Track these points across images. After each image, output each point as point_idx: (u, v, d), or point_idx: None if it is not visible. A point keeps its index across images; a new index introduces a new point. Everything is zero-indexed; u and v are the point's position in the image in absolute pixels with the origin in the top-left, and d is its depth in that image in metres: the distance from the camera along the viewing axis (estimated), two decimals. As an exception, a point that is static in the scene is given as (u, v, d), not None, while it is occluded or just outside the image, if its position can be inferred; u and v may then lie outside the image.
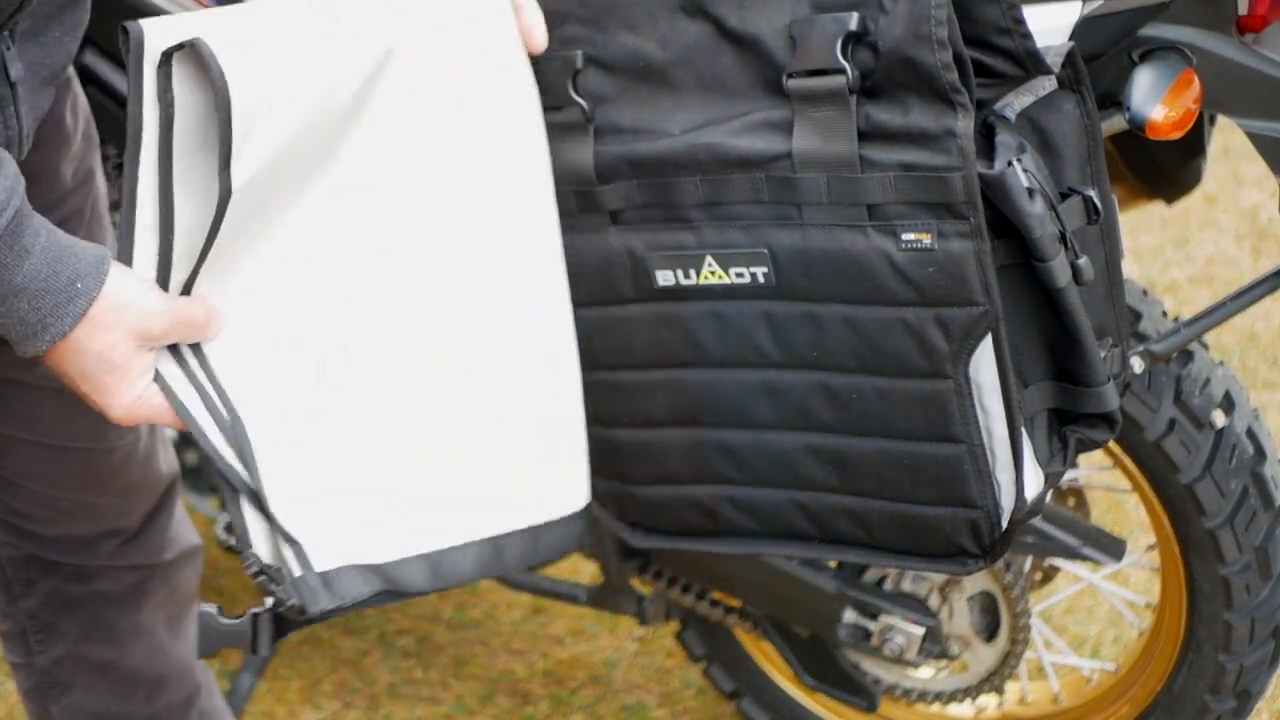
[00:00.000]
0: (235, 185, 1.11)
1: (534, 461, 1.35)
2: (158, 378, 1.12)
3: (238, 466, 1.10)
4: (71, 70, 1.39)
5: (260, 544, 1.12)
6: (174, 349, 1.15)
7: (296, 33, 1.15)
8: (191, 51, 1.12)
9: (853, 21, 1.29)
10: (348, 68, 1.19)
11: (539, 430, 1.35)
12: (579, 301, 1.47)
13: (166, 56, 1.12)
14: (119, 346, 1.08)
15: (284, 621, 1.22)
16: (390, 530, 1.21)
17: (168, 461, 1.61)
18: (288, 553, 1.11)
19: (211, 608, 1.21)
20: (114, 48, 2.03)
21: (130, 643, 1.63)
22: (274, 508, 1.10)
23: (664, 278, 1.44)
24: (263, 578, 1.11)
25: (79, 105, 1.41)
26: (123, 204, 1.15)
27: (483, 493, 1.31)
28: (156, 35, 1.12)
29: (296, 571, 1.11)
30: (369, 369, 1.21)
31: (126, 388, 1.09)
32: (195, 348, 1.15)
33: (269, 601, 1.14)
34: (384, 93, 1.22)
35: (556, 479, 1.38)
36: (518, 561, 1.33)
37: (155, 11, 1.96)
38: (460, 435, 1.28)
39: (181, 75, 1.13)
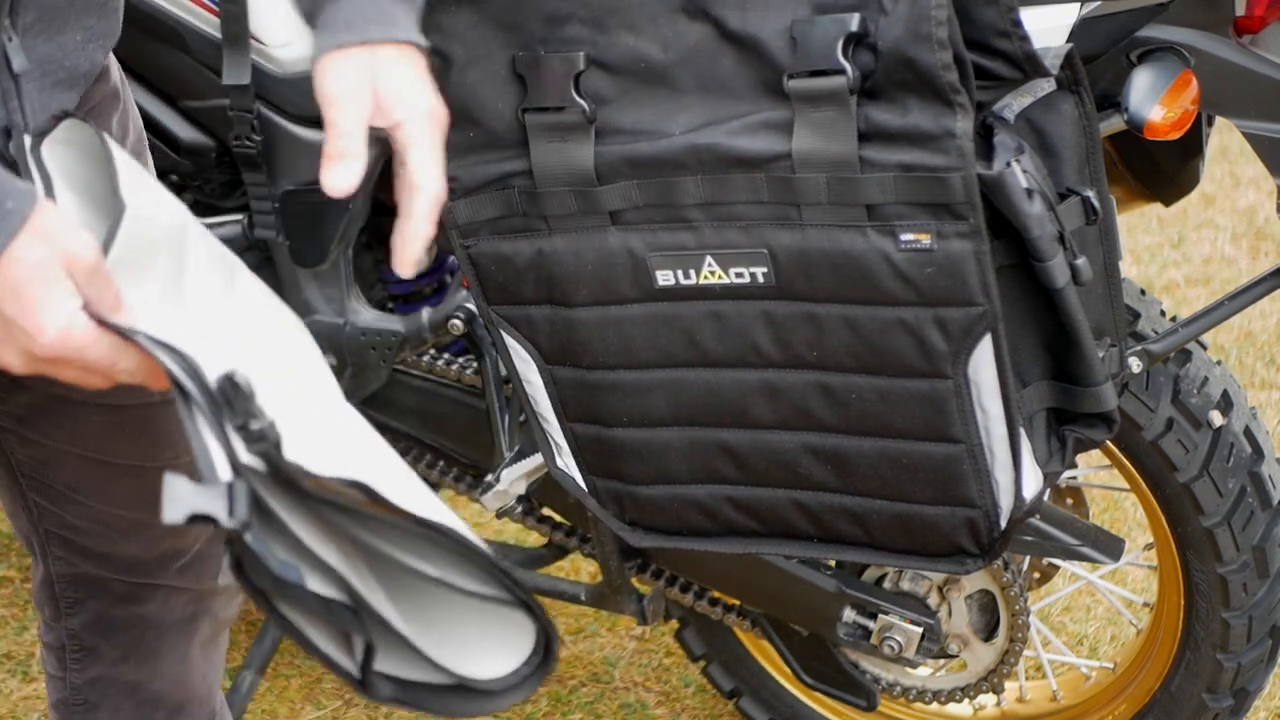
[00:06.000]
0: (129, 202, 1.12)
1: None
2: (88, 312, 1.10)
3: (189, 382, 1.04)
4: (124, 85, 1.38)
5: (217, 462, 1.06)
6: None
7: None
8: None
9: (853, 22, 1.29)
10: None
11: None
12: (579, 301, 1.47)
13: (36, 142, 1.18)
14: (50, 263, 1.05)
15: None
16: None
17: None
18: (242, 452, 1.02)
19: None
20: (136, 64, 2.00)
21: (166, 668, 1.63)
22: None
23: (664, 278, 1.44)
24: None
25: (129, 120, 1.39)
26: None
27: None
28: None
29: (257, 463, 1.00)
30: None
31: (59, 304, 1.05)
32: None
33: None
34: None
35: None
36: None
37: (160, 16, 1.95)
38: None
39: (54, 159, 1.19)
